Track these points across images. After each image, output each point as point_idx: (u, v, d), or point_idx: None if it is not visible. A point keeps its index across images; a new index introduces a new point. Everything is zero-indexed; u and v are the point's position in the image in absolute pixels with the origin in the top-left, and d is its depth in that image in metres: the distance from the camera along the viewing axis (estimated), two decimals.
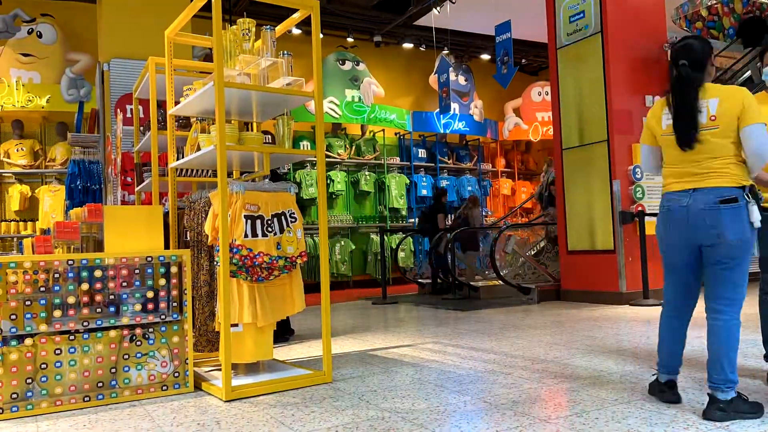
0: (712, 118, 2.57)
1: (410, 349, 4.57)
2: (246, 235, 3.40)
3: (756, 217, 2.52)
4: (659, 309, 5.47)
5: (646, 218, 6.73)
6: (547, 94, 13.14)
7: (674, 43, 2.86)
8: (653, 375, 2.98)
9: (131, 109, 5.98)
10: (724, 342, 2.58)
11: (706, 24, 9.30)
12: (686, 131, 2.62)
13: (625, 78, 7.13)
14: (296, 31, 10.83)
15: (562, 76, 7.61)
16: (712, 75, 2.75)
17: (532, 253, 8.87)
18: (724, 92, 2.60)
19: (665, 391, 2.84)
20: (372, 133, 12.18)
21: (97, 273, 3.27)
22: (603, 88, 7.05)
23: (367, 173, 11.80)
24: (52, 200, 9.15)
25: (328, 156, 11.28)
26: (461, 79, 12.81)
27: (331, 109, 11.11)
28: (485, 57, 13.36)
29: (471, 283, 8.56)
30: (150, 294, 3.39)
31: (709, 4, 9.01)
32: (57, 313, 3.14)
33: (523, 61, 13.57)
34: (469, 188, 12.89)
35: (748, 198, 2.54)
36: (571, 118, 7.49)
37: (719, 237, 2.55)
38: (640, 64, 7.25)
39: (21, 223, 9.30)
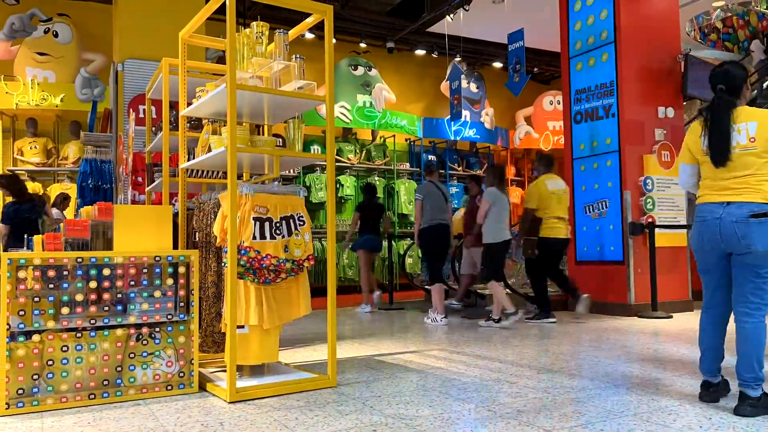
0: (752, 139, 2.81)
1: (415, 356, 4.55)
2: (254, 237, 3.41)
3: None
4: (667, 321, 5.45)
5: (656, 230, 6.69)
6: (558, 103, 13.11)
7: (714, 66, 3.09)
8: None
9: (144, 110, 6.02)
10: (753, 343, 2.79)
11: (721, 36, 9.26)
12: (719, 151, 2.87)
13: (637, 89, 7.10)
14: (309, 36, 10.88)
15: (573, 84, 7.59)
16: (747, 97, 3.00)
17: None
18: (763, 116, 2.84)
19: (709, 392, 3.04)
20: (382, 139, 12.19)
21: (106, 271, 3.28)
22: (615, 98, 7.03)
23: (376, 178, 11.80)
24: None
25: (338, 160, 11.29)
26: (473, 87, 12.80)
27: (342, 113, 11.14)
28: (497, 65, 13.35)
29: (478, 290, 8.52)
30: (157, 293, 3.40)
31: (725, 16, 8.98)
32: (65, 311, 3.16)
33: (536, 69, 13.55)
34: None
35: None
36: (583, 128, 7.47)
37: (749, 248, 2.78)
38: (653, 75, 7.22)
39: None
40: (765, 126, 2.81)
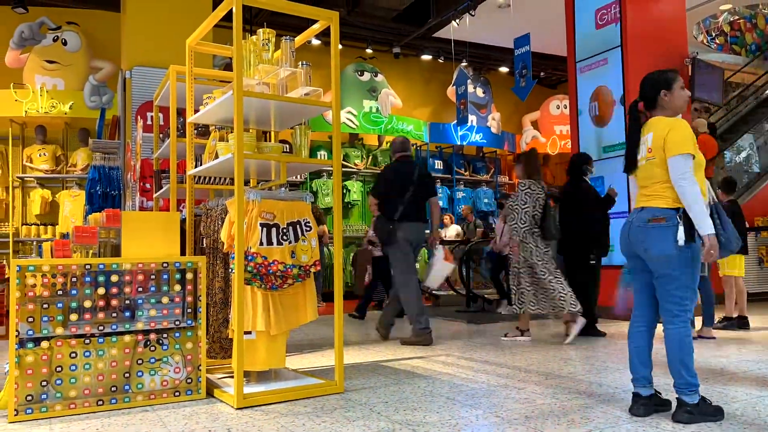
0: (650, 150, 2.91)
1: (423, 361, 4.54)
2: (261, 243, 3.42)
3: (681, 236, 2.75)
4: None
5: None
6: (565, 108, 13.09)
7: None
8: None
9: (151, 117, 6.07)
10: (676, 349, 2.82)
11: (728, 39, 9.23)
12: (626, 160, 3.05)
13: None
14: (316, 42, 10.92)
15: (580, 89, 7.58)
16: (671, 105, 2.95)
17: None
18: (656, 126, 2.91)
19: (638, 405, 2.95)
20: (389, 144, 12.20)
21: (114, 278, 3.30)
22: (622, 102, 7.01)
23: None
24: (72, 205, 9.28)
25: (344, 166, 11.31)
26: (479, 92, 12.81)
27: (349, 119, 11.16)
28: (504, 69, 13.35)
29: (486, 296, 8.50)
30: (165, 300, 3.41)
31: (732, 19, 8.95)
32: (73, 317, 3.18)
33: (542, 74, 13.54)
34: (485, 200, 12.85)
35: (679, 219, 2.77)
36: (590, 132, 7.45)
37: (646, 252, 2.87)
38: None
39: (41, 227, 9.43)
40: (657, 136, 2.87)
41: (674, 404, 2.86)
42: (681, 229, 2.76)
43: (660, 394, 2.99)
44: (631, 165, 3.02)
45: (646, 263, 2.91)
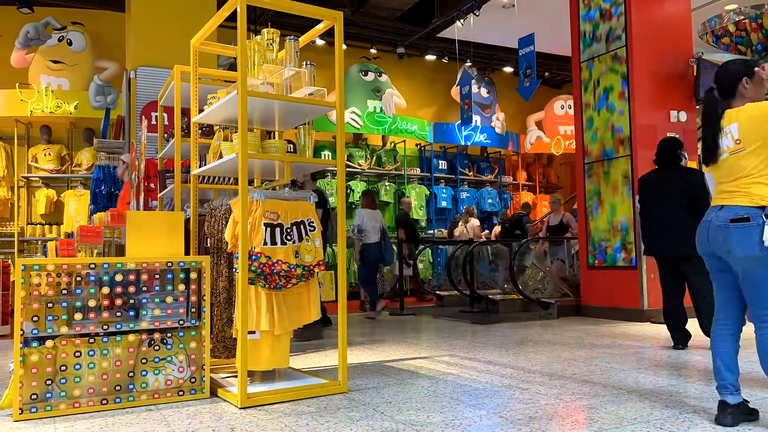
0: (737, 141, 2.72)
1: (426, 362, 4.54)
2: (265, 243, 3.42)
3: (766, 237, 2.59)
4: None
5: None
6: (570, 108, 13.06)
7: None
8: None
9: (156, 117, 6.08)
10: (760, 353, 2.70)
11: (734, 40, 9.19)
12: (705, 150, 2.84)
13: (649, 93, 7.06)
14: (320, 42, 10.93)
15: (585, 89, 7.56)
16: (750, 96, 2.80)
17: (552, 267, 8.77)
18: (744, 113, 2.72)
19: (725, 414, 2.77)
20: (393, 144, 12.20)
21: (118, 277, 3.31)
22: (627, 102, 7.00)
23: (387, 184, 11.81)
24: (77, 204, 9.32)
25: (348, 166, 11.32)
26: (483, 92, 12.80)
27: (353, 119, 11.17)
28: (508, 69, 13.33)
29: (489, 296, 8.49)
30: (169, 299, 3.42)
31: (737, 19, 8.91)
32: (78, 316, 3.19)
33: (546, 74, 13.52)
34: (489, 201, 12.83)
35: (765, 218, 2.62)
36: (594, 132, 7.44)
37: (729, 253, 2.71)
38: (665, 79, 7.18)
39: (46, 227, 9.47)
40: (745, 124, 2.69)
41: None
42: (767, 228, 2.60)
43: (748, 402, 2.82)
44: (711, 154, 2.80)
45: (728, 264, 2.76)
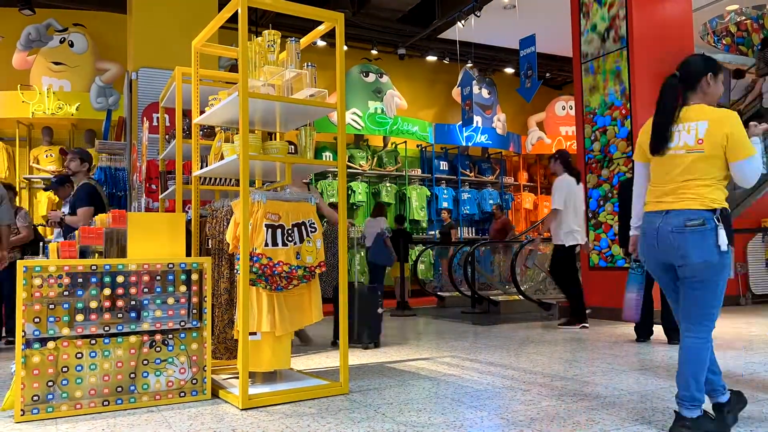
0: (700, 141, 2.59)
1: (428, 363, 4.54)
2: (266, 244, 3.42)
3: (723, 240, 2.51)
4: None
5: None
6: (571, 108, 13.07)
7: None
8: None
9: (157, 118, 6.08)
10: (691, 360, 2.60)
11: (735, 40, 9.19)
12: (657, 134, 2.69)
13: (650, 93, 7.05)
14: (321, 43, 10.93)
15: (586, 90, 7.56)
16: (710, 94, 2.73)
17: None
18: (710, 115, 2.61)
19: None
20: (394, 145, 12.21)
21: (120, 278, 3.31)
22: (628, 102, 6.99)
23: (388, 185, 11.82)
24: None
25: (349, 167, 11.32)
26: (484, 92, 12.80)
27: (354, 120, 11.17)
28: (509, 70, 13.34)
29: (491, 297, 8.49)
30: (170, 300, 3.42)
31: (738, 20, 8.91)
32: (79, 318, 3.19)
33: (547, 74, 13.53)
34: (491, 201, 12.83)
35: (718, 222, 2.53)
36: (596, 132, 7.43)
37: (684, 259, 2.58)
38: None
39: (48, 228, 9.47)
40: (716, 128, 2.56)
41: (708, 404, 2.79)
42: (722, 232, 2.51)
43: (742, 393, 2.82)
44: (662, 143, 2.66)
45: (678, 270, 2.64)
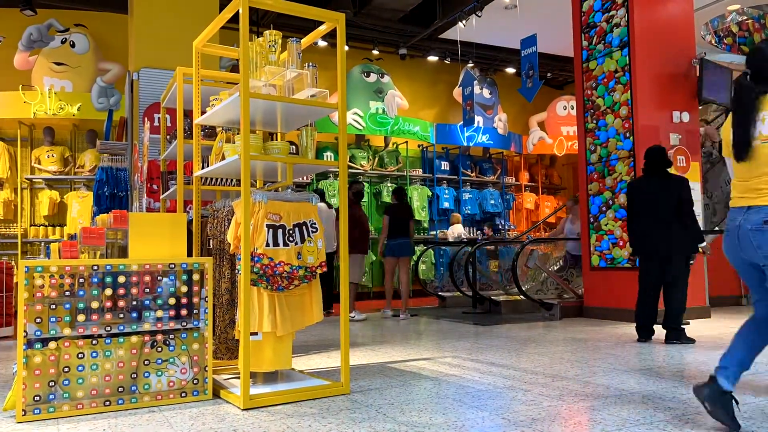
0: None
1: (429, 363, 4.54)
2: (267, 245, 3.42)
3: None
4: (684, 328, 5.37)
5: None
6: (572, 108, 13.05)
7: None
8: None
9: (159, 118, 6.08)
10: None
11: (737, 40, 9.17)
12: (738, 141, 2.54)
13: (652, 93, 7.05)
14: (322, 43, 10.93)
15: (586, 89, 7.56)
16: None
17: (555, 268, 8.77)
18: None
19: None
20: (395, 145, 12.21)
21: (121, 279, 3.31)
22: (630, 103, 6.99)
23: (389, 185, 11.81)
24: (80, 206, 9.33)
25: (350, 167, 11.32)
26: (485, 92, 12.79)
27: (355, 120, 11.17)
28: (510, 70, 13.33)
29: (492, 297, 8.49)
30: (172, 301, 3.42)
31: (740, 20, 8.89)
32: (81, 318, 3.19)
33: (549, 74, 13.51)
34: (492, 202, 12.83)
35: None
36: (597, 133, 7.42)
37: (765, 259, 2.46)
38: (668, 80, 7.17)
39: (49, 228, 9.49)
40: None
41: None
42: None
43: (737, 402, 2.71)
44: (745, 146, 2.49)
45: (763, 268, 2.53)
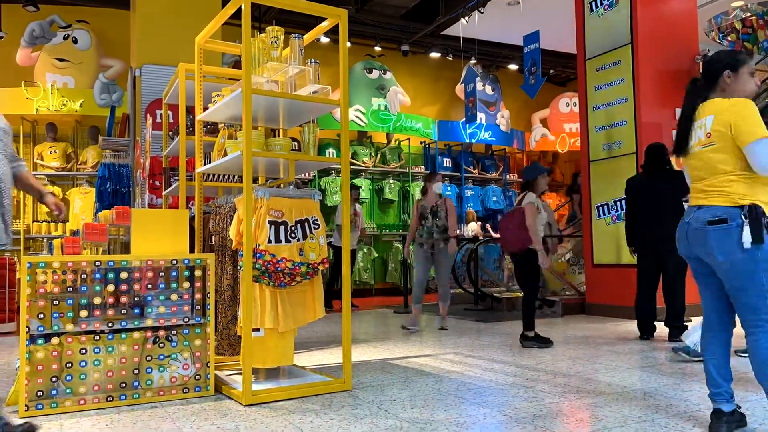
0: (708, 134, 2.58)
1: (431, 359, 4.54)
2: (270, 241, 3.43)
3: (746, 238, 2.44)
4: (686, 325, 5.36)
5: None
6: (575, 105, 13.02)
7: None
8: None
9: (161, 114, 6.10)
10: (761, 361, 2.51)
11: (740, 37, 9.14)
12: (676, 143, 2.75)
13: (654, 90, 7.03)
14: (324, 40, 10.92)
15: (590, 87, 7.54)
16: (731, 89, 2.66)
17: (563, 260, 8.76)
18: (717, 107, 2.60)
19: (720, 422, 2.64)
20: (397, 142, 12.19)
21: (123, 275, 3.32)
22: (632, 99, 6.97)
23: (391, 181, 11.81)
24: (82, 202, 9.34)
25: (352, 164, 11.32)
26: (488, 89, 12.76)
27: (357, 117, 11.16)
28: (513, 67, 13.30)
29: (494, 294, 8.48)
30: (174, 297, 3.43)
31: (744, 16, 8.85)
32: (83, 313, 3.20)
33: (551, 71, 13.47)
34: (494, 198, 12.81)
35: (744, 218, 2.46)
36: (599, 130, 7.41)
37: (709, 256, 2.58)
38: (670, 77, 7.15)
39: (52, 224, 9.50)
40: (721, 117, 2.53)
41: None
42: (746, 229, 2.44)
43: (740, 407, 2.70)
44: (682, 145, 2.68)
45: (711, 267, 2.62)
